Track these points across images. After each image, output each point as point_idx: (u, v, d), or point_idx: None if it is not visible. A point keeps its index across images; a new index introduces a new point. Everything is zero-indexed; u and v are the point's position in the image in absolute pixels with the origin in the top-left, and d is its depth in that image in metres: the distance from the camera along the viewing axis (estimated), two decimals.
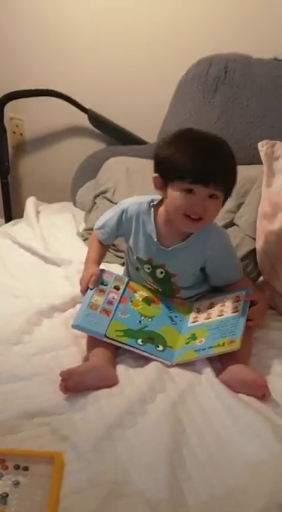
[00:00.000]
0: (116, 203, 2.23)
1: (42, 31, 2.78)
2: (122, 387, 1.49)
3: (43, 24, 2.77)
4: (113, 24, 2.62)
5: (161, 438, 1.31)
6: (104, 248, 1.89)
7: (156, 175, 1.66)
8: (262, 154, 1.92)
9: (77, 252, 2.16)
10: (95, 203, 2.40)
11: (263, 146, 1.93)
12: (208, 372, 1.53)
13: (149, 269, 1.77)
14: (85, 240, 2.30)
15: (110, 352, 1.60)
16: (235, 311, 1.64)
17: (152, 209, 1.74)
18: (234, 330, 1.58)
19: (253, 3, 2.28)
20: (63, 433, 1.33)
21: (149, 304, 1.75)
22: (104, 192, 2.36)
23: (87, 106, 2.74)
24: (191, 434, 1.34)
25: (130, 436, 1.33)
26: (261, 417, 1.37)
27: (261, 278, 1.92)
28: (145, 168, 2.34)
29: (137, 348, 1.59)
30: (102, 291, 1.73)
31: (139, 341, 1.61)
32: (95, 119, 2.75)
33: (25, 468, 1.23)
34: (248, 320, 1.62)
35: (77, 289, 1.84)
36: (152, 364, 1.56)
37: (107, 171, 2.46)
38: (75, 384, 1.45)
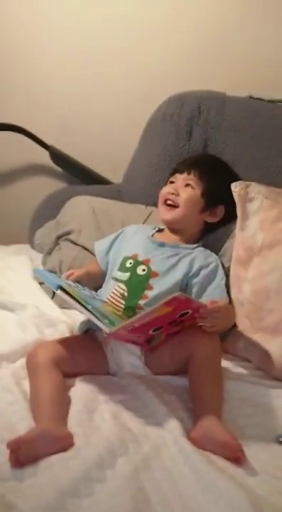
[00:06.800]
0: (82, 246, 2.14)
1: (1, 64, 2.69)
2: (77, 448, 1.30)
3: (2, 57, 2.69)
4: (76, 59, 2.60)
5: (121, 509, 1.13)
6: (97, 270, 1.91)
7: None
8: (235, 195, 1.82)
9: (32, 296, 2.04)
10: (57, 244, 2.27)
11: (236, 187, 1.82)
12: (176, 430, 1.37)
13: (131, 263, 1.79)
14: (41, 283, 2.14)
15: (56, 387, 1.48)
16: None
17: (156, 230, 1.94)
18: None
19: (224, 38, 2.30)
20: (9, 500, 1.14)
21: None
22: (68, 233, 2.24)
23: (48, 142, 2.65)
24: (156, 505, 1.16)
25: (86, 507, 1.14)
26: (236, 485, 1.19)
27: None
28: (111, 209, 2.25)
29: (84, 307, 1.48)
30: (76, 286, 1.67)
31: (89, 307, 1.49)
32: (57, 156, 2.68)
33: None
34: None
35: (30, 336, 1.72)
36: (111, 423, 1.39)
37: (70, 211, 2.35)
38: (27, 455, 1.25)
